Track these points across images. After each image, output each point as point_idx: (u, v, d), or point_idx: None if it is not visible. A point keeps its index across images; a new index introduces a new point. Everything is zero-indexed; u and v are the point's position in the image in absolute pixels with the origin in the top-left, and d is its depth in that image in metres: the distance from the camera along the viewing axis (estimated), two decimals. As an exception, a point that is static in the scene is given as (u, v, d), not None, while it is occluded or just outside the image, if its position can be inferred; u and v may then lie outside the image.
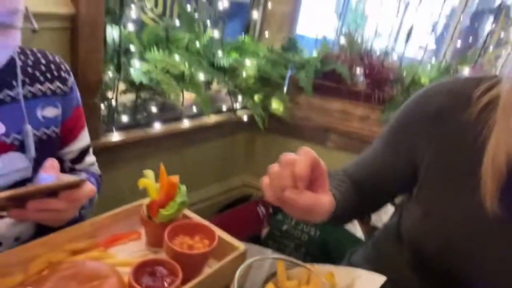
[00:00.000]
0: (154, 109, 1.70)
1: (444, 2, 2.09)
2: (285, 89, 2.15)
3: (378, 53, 2.11)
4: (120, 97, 1.53)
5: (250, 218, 2.07)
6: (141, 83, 1.49)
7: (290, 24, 2.14)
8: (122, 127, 1.58)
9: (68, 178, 0.62)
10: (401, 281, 0.70)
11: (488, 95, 0.63)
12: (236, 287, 0.33)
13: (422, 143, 0.69)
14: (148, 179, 0.66)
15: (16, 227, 0.73)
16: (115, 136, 1.54)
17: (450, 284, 0.67)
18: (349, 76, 1.97)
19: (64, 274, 0.49)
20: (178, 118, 1.79)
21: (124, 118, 1.58)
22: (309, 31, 2.37)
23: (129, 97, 1.60)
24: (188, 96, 1.74)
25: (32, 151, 0.73)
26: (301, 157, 0.52)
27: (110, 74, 1.43)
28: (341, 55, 2.08)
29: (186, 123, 1.81)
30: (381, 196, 0.81)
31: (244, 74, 1.94)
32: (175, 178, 0.66)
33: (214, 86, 1.97)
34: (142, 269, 0.54)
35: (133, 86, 1.53)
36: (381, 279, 0.46)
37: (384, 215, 1.62)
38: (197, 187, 2.09)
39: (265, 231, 1.97)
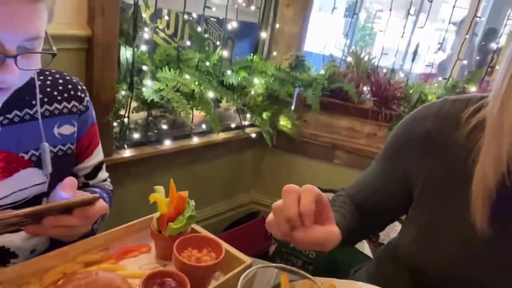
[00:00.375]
0: (164, 127, 1.74)
1: (450, 22, 2.12)
2: (293, 106, 2.19)
3: (384, 71, 2.14)
4: (132, 115, 1.58)
5: (258, 235, 2.07)
6: (152, 101, 1.54)
7: (298, 43, 2.20)
8: (134, 144, 1.63)
9: (83, 195, 0.65)
10: None
11: (476, 117, 0.64)
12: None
13: (413, 166, 0.71)
14: (158, 194, 0.69)
15: (32, 240, 0.76)
16: (127, 153, 1.58)
17: None
18: (356, 94, 2.00)
19: (78, 283, 0.51)
20: (188, 136, 1.83)
21: (136, 135, 1.63)
22: (317, 48, 2.42)
23: (141, 115, 1.65)
24: (198, 114, 1.79)
25: (49, 167, 0.76)
26: (304, 195, 0.55)
27: (123, 92, 1.48)
28: (348, 73, 2.12)
29: (195, 140, 1.84)
30: (382, 217, 0.82)
31: (252, 92, 1.98)
32: (185, 193, 0.69)
33: (223, 104, 2.01)
34: (152, 280, 0.56)
35: (144, 104, 1.58)
36: None
37: (392, 233, 1.61)
38: (205, 203, 2.12)
39: (272, 248, 1.97)
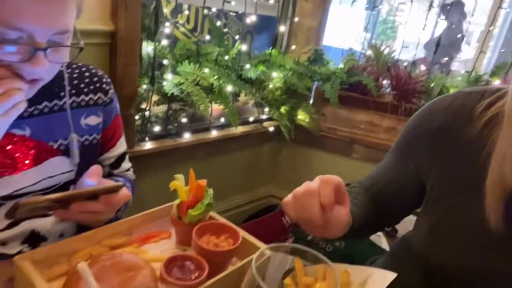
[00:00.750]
0: (184, 120, 1.78)
1: (472, 14, 2.07)
2: (311, 100, 2.19)
3: (405, 64, 2.11)
4: (153, 108, 1.62)
5: (275, 228, 2.09)
6: (172, 95, 1.57)
7: (316, 37, 2.19)
8: (154, 137, 1.67)
9: (108, 183, 0.68)
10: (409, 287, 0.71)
11: (491, 110, 0.62)
12: (255, 271, 0.37)
13: (426, 160, 0.70)
14: (178, 182, 0.71)
15: (60, 225, 0.81)
16: (148, 145, 1.62)
17: None
18: (375, 88, 1.98)
19: (104, 264, 0.54)
20: (207, 129, 1.87)
21: (156, 128, 1.67)
22: (336, 42, 2.40)
23: (162, 108, 1.69)
24: (217, 107, 1.81)
25: (76, 157, 0.80)
26: (324, 186, 0.57)
27: (144, 86, 1.52)
28: (367, 66, 2.10)
29: (214, 134, 1.87)
30: (396, 210, 0.81)
31: (270, 86, 2.00)
32: (203, 182, 0.71)
33: (242, 97, 2.03)
34: (172, 263, 0.59)
35: (165, 97, 1.62)
36: (392, 275, 0.48)
37: (410, 227, 1.60)
38: (224, 196, 2.15)
39: (290, 241, 1.99)
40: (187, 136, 1.76)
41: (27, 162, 0.75)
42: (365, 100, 2.05)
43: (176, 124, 1.77)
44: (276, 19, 2.12)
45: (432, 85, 2.00)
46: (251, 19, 1.85)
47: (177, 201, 0.71)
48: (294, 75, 2.01)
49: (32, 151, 0.75)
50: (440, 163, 0.68)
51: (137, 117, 1.58)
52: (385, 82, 2.09)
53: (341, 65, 2.14)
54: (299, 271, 0.50)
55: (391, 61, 2.13)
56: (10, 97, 0.59)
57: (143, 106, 1.58)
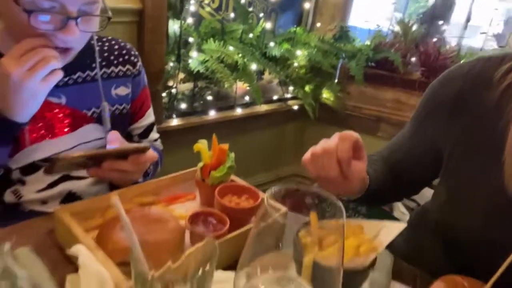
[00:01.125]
0: (209, 98, 1.82)
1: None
2: (336, 79, 2.17)
3: (434, 40, 2.05)
4: (180, 85, 1.67)
5: (299, 207, 2.12)
6: (198, 73, 1.61)
7: (342, 14, 2.16)
8: (181, 114, 1.72)
9: (135, 144, 0.73)
10: (430, 257, 0.72)
11: (510, 76, 0.60)
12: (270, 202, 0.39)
13: (444, 128, 0.69)
14: (202, 145, 0.75)
15: (95, 187, 0.87)
16: (175, 122, 1.68)
17: (473, 263, 0.67)
18: (402, 64, 1.94)
19: (134, 215, 0.59)
20: (231, 107, 1.90)
21: (183, 105, 1.72)
22: (362, 22, 2.36)
23: (188, 86, 1.74)
24: (241, 85, 1.84)
25: (108, 124, 0.85)
26: (342, 142, 0.58)
27: (171, 64, 1.57)
28: (395, 43, 2.06)
29: (238, 111, 1.91)
30: (414, 179, 0.81)
31: (295, 64, 2.00)
32: (225, 146, 0.75)
33: (266, 76, 2.05)
34: (196, 218, 0.63)
35: (191, 75, 1.66)
36: (402, 225, 0.50)
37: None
38: (247, 175, 2.17)
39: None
40: (212, 114, 1.80)
41: (65, 129, 0.81)
42: (392, 77, 2.02)
43: (201, 102, 1.81)
44: (300, -4, 2.10)
45: (462, 61, 1.93)
46: (275, -4, 1.84)
47: (200, 164, 0.74)
48: (319, 53, 2.00)
49: (68, 118, 0.81)
50: (457, 131, 0.67)
51: (164, 94, 1.63)
52: (413, 59, 2.03)
53: (367, 42, 2.10)
54: (314, 223, 0.52)
55: (420, 38, 2.07)
56: (48, 64, 0.64)
57: (170, 83, 1.63)
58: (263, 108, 1.99)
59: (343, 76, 2.13)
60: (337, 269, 0.39)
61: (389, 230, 0.49)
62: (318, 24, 2.16)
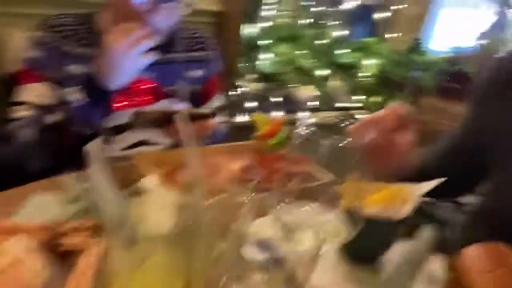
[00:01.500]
0: (277, 99, 1.91)
1: None
2: (406, 90, 2.13)
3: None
4: (250, 85, 1.79)
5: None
6: (268, 74, 1.72)
7: (417, 26, 2.13)
8: (249, 112, 1.83)
9: (201, 110, 0.84)
10: None
11: None
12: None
13: (492, 115, 0.68)
14: (259, 116, 0.84)
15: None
16: (243, 118, 1.79)
17: None
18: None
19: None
20: (297, 110, 1.97)
21: (251, 104, 1.83)
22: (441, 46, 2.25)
23: (257, 86, 1.85)
24: (309, 90, 1.90)
25: (184, 101, 0.98)
26: (387, 112, 0.62)
27: (243, 64, 1.69)
28: (471, 56, 1.97)
29: (304, 116, 1.96)
30: (462, 175, 0.76)
31: (364, 74, 2.01)
32: (280, 120, 0.82)
33: (333, 83, 2.09)
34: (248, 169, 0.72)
35: (261, 76, 1.77)
36: (439, 180, 0.50)
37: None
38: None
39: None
40: (279, 115, 1.88)
41: (146, 101, 0.95)
42: (466, 90, 1.92)
43: (269, 102, 1.91)
44: (375, 6, 2.12)
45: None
46: (349, 6, 1.90)
47: (257, 133, 0.83)
48: (391, 63, 1.99)
49: (150, 93, 0.95)
50: (507, 117, 0.65)
51: (235, 93, 1.76)
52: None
53: (442, 55, 2.04)
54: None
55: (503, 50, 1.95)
56: (146, 41, 0.77)
57: (240, 83, 1.75)
58: (326, 114, 2.02)
59: (414, 88, 2.08)
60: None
61: (424, 186, 0.51)
62: (392, 35, 2.16)
